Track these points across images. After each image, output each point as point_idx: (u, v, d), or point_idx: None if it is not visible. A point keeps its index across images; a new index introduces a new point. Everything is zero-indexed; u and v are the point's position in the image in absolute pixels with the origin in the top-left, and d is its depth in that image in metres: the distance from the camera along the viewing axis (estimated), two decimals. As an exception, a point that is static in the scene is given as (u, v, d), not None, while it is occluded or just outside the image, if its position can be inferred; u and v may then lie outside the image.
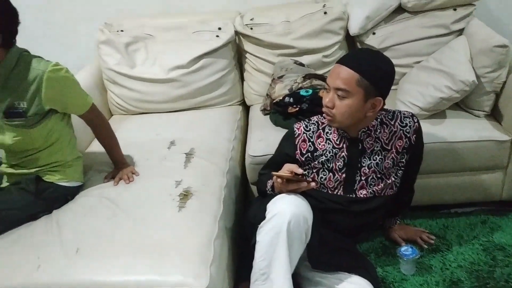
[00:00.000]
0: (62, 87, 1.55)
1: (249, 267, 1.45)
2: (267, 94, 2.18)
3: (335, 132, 1.57)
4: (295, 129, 1.61)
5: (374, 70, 1.40)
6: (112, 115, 2.44)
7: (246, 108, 2.43)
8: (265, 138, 1.95)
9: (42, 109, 1.53)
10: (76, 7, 2.58)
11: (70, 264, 1.34)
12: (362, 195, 1.59)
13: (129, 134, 2.13)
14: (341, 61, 1.44)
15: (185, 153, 1.87)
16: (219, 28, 2.27)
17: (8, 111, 1.50)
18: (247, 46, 2.30)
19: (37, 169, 1.61)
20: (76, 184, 1.70)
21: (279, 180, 1.41)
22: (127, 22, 2.39)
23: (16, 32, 1.50)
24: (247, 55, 2.33)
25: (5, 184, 1.66)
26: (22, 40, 1.55)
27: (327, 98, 1.46)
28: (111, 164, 1.82)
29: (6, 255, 1.41)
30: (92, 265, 1.33)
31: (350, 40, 2.34)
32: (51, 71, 1.49)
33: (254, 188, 1.98)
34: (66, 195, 1.65)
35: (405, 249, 1.70)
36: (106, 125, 1.75)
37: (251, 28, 2.26)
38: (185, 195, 1.60)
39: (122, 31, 2.34)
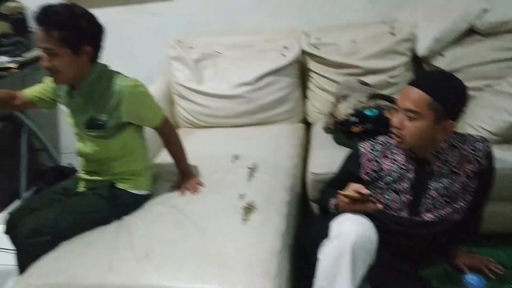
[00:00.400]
0: (140, 102, 1.65)
1: (308, 285, 1.46)
2: (330, 113, 2.20)
3: (402, 152, 1.55)
4: (360, 148, 1.61)
5: (446, 93, 1.38)
6: (178, 127, 2.54)
7: (308, 126, 2.46)
8: (328, 156, 1.96)
9: (120, 122, 1.63)
10: (147, 24, 2.74)
11: (140, 268, 1.41)
12: (428, 219, 1.55)
13: (194, 146, 2.20)
14: (413, 83, 1.44)
15: (249, 168, 1.92)
16: (285, 47, 2.33)
17: (89, 123, 1.62)
18: (312, 65, 2.34)
19: (111, 177, 1.71)
20: (145, 193, 1.78)
21: (345, 199, 1.41)
22: (197, 39, 2.51)
23: (102, 48, 1.61)
24: (312, 73, 2.36)
25: (81, 189, 1.77)
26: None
27: (396, 118, 1.46)
28: (177, 174, 1.90)
29: (82, 256, 1.50)
30: (160, 270, 1.39)
31: (417, 61, 2.32)
32: (131, 87, 1.59)
33: (314, 206, 1.98)
34: (136, 203, 1.74)
35: (471, 278, 1.64)
36: (176, 137, 1.83)
37: (317, 48, 2.30)
38: (249, 209, 1.64)
39: (192, 48, 2.45)
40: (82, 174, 1.77)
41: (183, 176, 1.86)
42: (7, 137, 2.72)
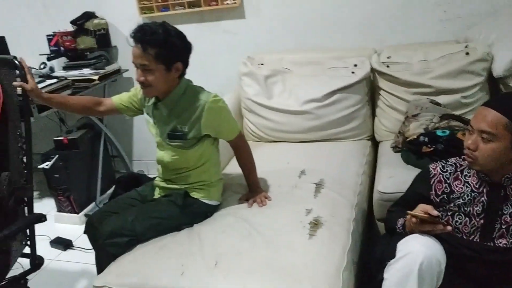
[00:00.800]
0: (219, 116, 1.75)
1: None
2: (399, 132, 2.18)
3: (475, 175, 1.51)
4: (430, 169, 1.59)
5: (525, 116, 1.34)
6: (245, 141, 2.62)
7: (375, 144, 2.44)
8: (396, 176, 1.94)
9: (199, 134, 1.73)
10: (221, 40, 2.85)
11: (210, 275, 1.47)
12: (501, 244, 1.50)
13: (261, 160, 2.25)
14: (488, 104, 1.41)
15: (315, 183, 1.94)
16: (355, 65, 2.34)
17: (171, 133, 1.72)
18: (382, 83, 2.33)
19: (186, 185, 1.81)
20: (216, 203, 1.86)
21: (413, 219, 1.40)
22: (267, 56, 2.58)
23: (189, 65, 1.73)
24: (381, 91, 2.35)
25: (157, 195, 1.88)
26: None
27: (469, 140, 1.43)
28: (245, 186, 1.96)
29: (155, 259, 1.59)
30: (229, 279, 1.44)
31: (492, 82, 2.25)
32: (211, 102, 1.69)
33: (380, 225, 1.97)
34: (206, 212, 1.82)
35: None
36: (249, 151, 1.91)
37: (388, 66, 2.29)
38: (315, 224, 1.66)
39: (262, 64, 2.52)
40: (159, 182, 1.88)
41: (251, 189, 1.92)
42: (87, 144, 2.93)
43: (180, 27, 2.76)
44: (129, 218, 1.69)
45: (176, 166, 1.79)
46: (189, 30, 2.81)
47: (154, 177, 2.00)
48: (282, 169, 2.13)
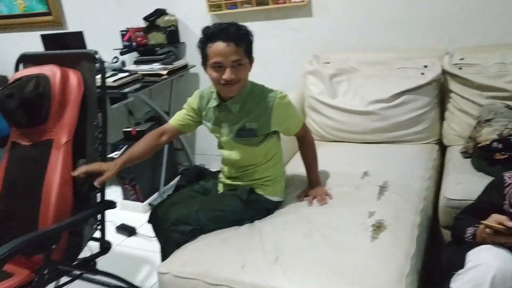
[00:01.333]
0: (287, 112, 1.77)
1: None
2: (470, 137, 2.09)
3: (555, 187, 1.43)
4: (505, 177, 1.51)
5: None
6: (307, 139, 2.61)
7: (443, 148, 2.36)
8: (464, 182, 1.87)
9: (268, 130, 1.76)
10: (286, 38, 2.86)
11: (270, 270, 1.48)
12: None
13: (323, 159, 2.24)
14: None
15: (379, 186, 1.91)
16: (425, 66, 2.27)
17: (240, 131, 1.76)
18: (453, 85, 2.24)
19: (251, 182, 1.83)
20: (279, 199, 1.88)
21: (487, 230, 1.34)
22: (333, 55, 2.56)
23: None
24: (452, 94, 2.26)
25: (220, 191, 1.93)
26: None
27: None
28: (306, 182, 1.97)
29: (217, 251, 1.63)
30: (289, 275, 1.45)
31: None
32: (280, 98, 1.73)
33: (445, 232, 1.90)
34: (268, 209, 1.84)
35: None
36: (313, 144, 1.93)
37: (460, 68, 2.20)
38: (378, 227, 1.63)
39: (328, 63, 2.50)
40: (223, 179, 1.92)
41: (311, 184, 1.92)
42: (153, 136, 3.03)
43: (246, 25, 2.81)
44: (194, 208, 1.74)
45: (244, 164, 1.82)
46: (255, 27, 2.85)
47: (217, 171, 2.04)
48: (344, 169, 2.11)
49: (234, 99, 1.75)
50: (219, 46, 1.61)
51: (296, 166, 2.21)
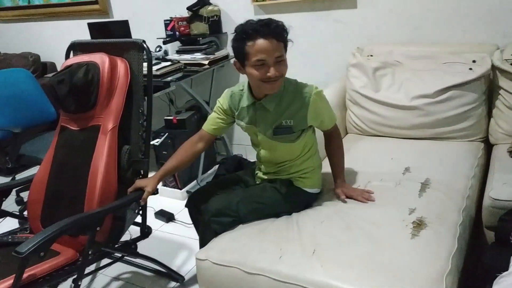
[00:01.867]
0: (322, 107, 1.76)
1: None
2: (518, 136, 2.02)
3: None
4: (556, 179, 1.46)
5: None
6: (347, 133, 2.59)
7: (488, 147, 2.28)
8: (511, 182, 1.81)
9: (304, 126, 1.74)
10: (329, 30, 2.83)
11: (307, 262, 1.49)
12: None
13: (363, 153, 2.25)
14: None
15: (421, 182, 1.87)
16: (474, 61, 2.20)
17: (277, 129, 1.75)
18: (503, 82, 2.16)
19: (289, 175, 1.83)
20: (316, 191, 1.87)
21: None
22: (377, 48, 2.51)
23: None
24: (501, 91, 2.18)
25: (258, 182, 1.94)
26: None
27: None
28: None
29: (255, 241, 1.64)
30: (327, 268, 1.44)
31: None
32: (315, 94, 1.71)
33: (488, 233, 1.85)
34: (307, 202, 1.85)
35: None
36: (341, 141, 1.92)
37: (511, 64, 2.12)
38: (419, 224, 1.61)
39: (371, 56, 2.46)
40: (260, 175, 1.93)
41: (338, 183, 1.89)
42: (193, 125, 3.08)
43: (290, 16, 2.81)
44: (235, 200, 1.75)
45: (281, 160, 1.82)
46: (298, 18, 2.87)
47: (254, 161, 2.05)
48: (385, 164, 2.08)
49: (268, 97, 1.72)
50: (261, 43, 1.57)
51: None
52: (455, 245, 1.56)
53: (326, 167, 1.94)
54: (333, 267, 1.45)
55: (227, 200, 1.77)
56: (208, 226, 1.74)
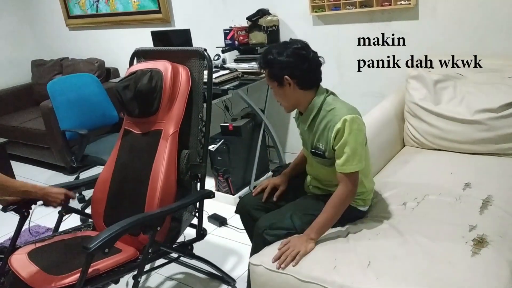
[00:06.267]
0: (343, 137, 1.61)
1: None
2: None
3: None
4: None
5: None
6: (404, 145, 2.54)
7: (556, 165, 2.17)
8: None
9: (332, 153, 1.68)
10: (390, 41, 2.79)
11: (362, 273, 1.48)
12: None
13: (421, 166, 2.20)
14: None
15: (482, 199, 1.81)
16: (542, 75, 2.11)
17: (313, 150, 1.76)
18: None
19: None
20: (366, 209, 1.85)
21: None
22: (439, 60, 2.45)
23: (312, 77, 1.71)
24: None
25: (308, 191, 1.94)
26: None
27: None
28: (399, 188, 1.92)
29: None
30: (382, 281, 1.43)
31: None
32: (348, 122, 1.60)
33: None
34: (359, 217, 1.83)
35: None
36: (345, 195, 1.66)
37: None
38: (480, 242, 1.56)
39: (433, 68, 2.41)
40: (310, 188, 1.93)
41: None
42: (248, 132, 3.14)
43: (348, 27, 2.79)
44: (287, 214, 1.76)
45: (324, 179, 1.81)
46: (356, 29, 2.85)
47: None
48: (444, 179, 2.03)
49: (303, 115, 1.77)
50: None
51: (386, 174, 2.19)
52: (518, 265, 1.50)
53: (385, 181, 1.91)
54: (389, 280, 1.43)
55: (278, 216, 1.78)
56: (262, 237, 1.75)
